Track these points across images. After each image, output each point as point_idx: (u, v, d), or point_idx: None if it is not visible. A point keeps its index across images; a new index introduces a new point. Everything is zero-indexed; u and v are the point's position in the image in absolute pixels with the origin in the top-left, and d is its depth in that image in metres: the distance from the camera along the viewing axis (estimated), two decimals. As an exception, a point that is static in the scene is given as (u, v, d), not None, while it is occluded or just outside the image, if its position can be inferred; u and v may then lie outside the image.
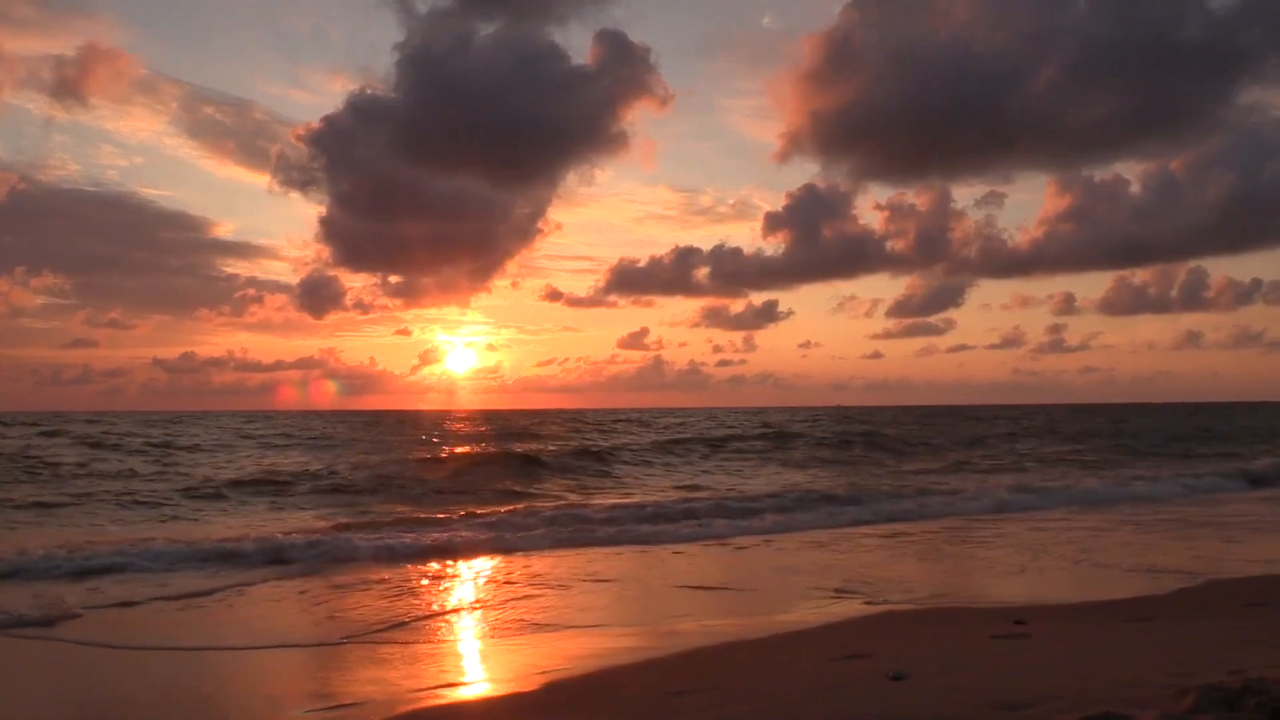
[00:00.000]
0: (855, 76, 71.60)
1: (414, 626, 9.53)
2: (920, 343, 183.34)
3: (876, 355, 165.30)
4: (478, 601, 11.02)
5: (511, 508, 19.71)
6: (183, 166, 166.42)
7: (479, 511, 18.90)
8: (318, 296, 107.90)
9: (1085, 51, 60.84)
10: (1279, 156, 76.67)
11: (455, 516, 18.19)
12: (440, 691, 7.23)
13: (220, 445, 41.47)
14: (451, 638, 9.17)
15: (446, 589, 11.85)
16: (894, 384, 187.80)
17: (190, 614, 10.23)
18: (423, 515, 18.70)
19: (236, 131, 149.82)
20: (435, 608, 10.57)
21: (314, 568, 13.04)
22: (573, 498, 22.91)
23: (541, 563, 13.58)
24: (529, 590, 11.46)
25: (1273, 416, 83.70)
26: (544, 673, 7.66)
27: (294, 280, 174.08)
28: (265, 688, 7.36)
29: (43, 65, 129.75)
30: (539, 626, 9.50)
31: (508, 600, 10.89)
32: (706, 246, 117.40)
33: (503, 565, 13.50)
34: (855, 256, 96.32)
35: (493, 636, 9.20)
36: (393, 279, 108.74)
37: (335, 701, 6.83)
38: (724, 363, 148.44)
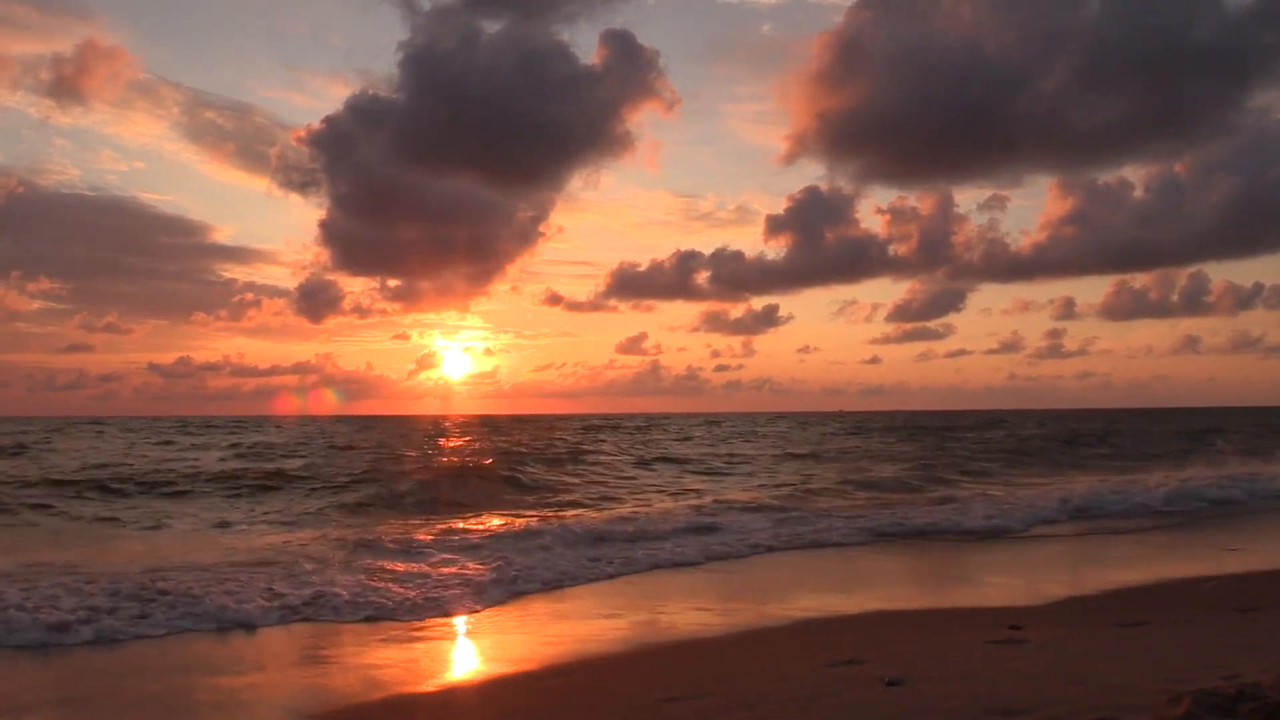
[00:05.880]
0: (862, 78, 71.22)
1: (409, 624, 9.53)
2: (919, 348, 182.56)
3: (875, 360, 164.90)
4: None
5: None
6: (182, 171, 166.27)
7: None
8: (315, 300, 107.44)
9: (1095, 53, 60.41)
10: (1286, 159, 76.15)
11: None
12: (423, 686, 7.22)
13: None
14: (445, 634, 9.17)
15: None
16: (890, 389, 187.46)
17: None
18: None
19: (236, 136, 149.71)
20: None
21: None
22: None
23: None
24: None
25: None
26: (533, 675, 7.64)
27: (292, 285, 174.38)
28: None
29: (41, 66, 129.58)
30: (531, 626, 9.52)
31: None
32: (707, 251, 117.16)
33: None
34: (857, 260, 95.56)
35: (484, 635, 9.20)
36: (392, 283, 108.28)
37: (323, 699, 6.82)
38: (721, 368, 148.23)
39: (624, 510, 19.43)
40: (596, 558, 13.46)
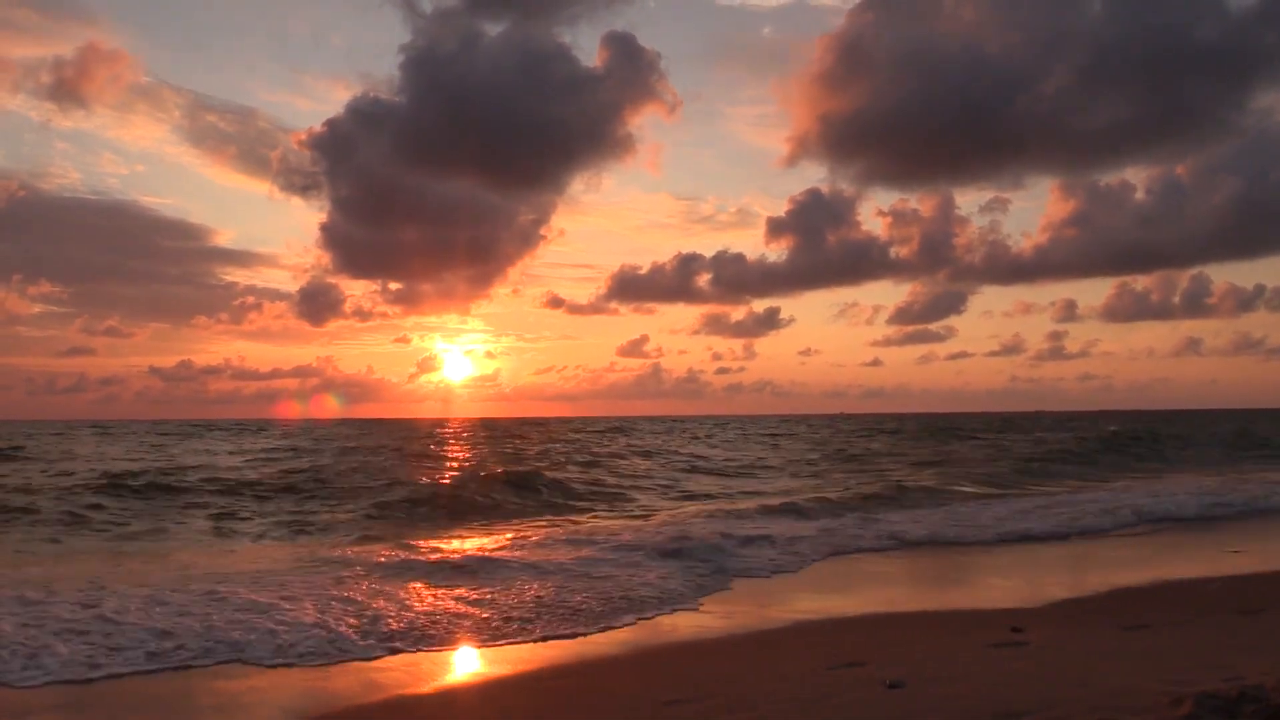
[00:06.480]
0: (863, 80, 71.41)
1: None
2: (921, 350, 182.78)
3: (876, 363, 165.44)
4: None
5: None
6: (184, 174, 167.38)
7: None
8: (316, 304, 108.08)
9: (1096, 55, 60.35)
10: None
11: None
12: (423, 688, 7.23)
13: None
14: (449, 637, 9.14)
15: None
16: (891, 391, 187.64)
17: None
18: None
19: (238, 139, 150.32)
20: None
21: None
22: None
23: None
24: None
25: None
26: (533, 676, 7.64)
27: (293, 288, 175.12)
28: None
29: (42, 69, 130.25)
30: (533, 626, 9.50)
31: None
32: (708, 254, 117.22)
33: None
34: (858, 263, 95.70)
35: (485, 638, 9.18)
36: (393, 286, 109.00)
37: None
38: (722, 370, 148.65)
39: (654, 519, 18.84)
40: (655, 579, 12.13)
